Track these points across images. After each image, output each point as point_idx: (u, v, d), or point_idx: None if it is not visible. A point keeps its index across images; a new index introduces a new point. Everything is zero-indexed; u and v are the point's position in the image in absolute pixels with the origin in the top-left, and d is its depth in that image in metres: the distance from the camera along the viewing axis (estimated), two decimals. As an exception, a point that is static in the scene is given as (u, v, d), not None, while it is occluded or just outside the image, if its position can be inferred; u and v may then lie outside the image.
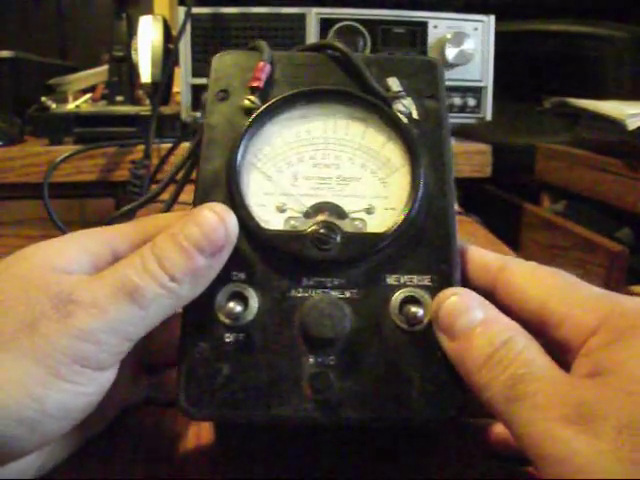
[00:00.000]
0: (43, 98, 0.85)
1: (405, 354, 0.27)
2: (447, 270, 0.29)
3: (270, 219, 0.30)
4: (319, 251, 0.29)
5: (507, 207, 0.96)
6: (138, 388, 0.33)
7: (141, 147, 0.73)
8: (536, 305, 0.26)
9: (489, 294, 0.28)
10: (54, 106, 0.84)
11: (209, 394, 0.27)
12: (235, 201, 0.29)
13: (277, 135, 0.32)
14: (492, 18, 0.83)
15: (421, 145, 0.31)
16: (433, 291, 0.28)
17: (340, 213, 0.30)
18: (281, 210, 0.31)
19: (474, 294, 0.26)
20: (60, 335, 0.24)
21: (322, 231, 0.29)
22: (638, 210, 0.67)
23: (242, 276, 0.28)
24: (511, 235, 0.89)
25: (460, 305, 0.26)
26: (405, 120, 0.32)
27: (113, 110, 0.85)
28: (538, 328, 0.26)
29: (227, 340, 0.28)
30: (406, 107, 0.32)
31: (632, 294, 0.62)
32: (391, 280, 0.29)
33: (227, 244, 0.27)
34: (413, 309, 0.27)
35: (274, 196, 0.31)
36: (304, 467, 0.30)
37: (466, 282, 0.29)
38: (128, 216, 0.42)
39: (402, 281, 0.29)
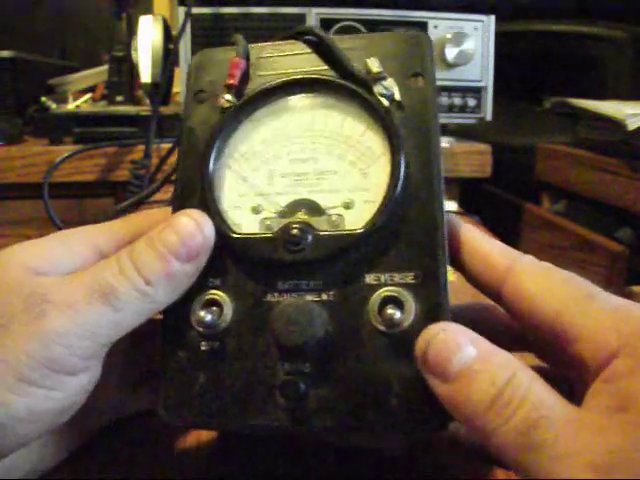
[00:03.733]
0: (43, 98, 0.85)
1: (384, 359, 0.25)
2: (432, 265, 0.26)
3: (244, 222, 0.29)
4: (290, 253, 0.27)
5: (507, 207, 0.95)
6: (138, 397, 0.32)
7: (141, 147, 0.73)
8: (549, 316, 0.24)
9: (494, 295, 0.26)
10: (54, 106, 0.84)
11: (186, 402, 0.27)
12: (208, 206, 0.29)
13: (254, 132, 0.31)
14: (492, 18, 0.83)
15: (404, 129, 0.28)
16: (417, 289, 0.26)
17: (316, 210, 0.29)
18: (256, 211, 0.29)
19: (461, 328, 0.23)
20: (30, 338, 0.23)
21: (293, 232, 0.27)
22: (638, 210, 0.67)
23: (218, 282, 0.28)
24: (511, 235, 0.89)
25: (450, 343, 0.23)
26: (386, 103, 0.29)
27: (113, 110, 0.85)
28: (550, 340, 0.24)
29: (203, 348, 0.27)
30: (387, 89, 0.29)
31: (632, 294, 0.62)
32: (370, 279, 0.26)
33: (203, 251, 0.27)
34: (389, 311, 0.25)
35: (249, 197, 0.30)
36: (304, 463, 0.30)
37: (469, 278, 0.27)
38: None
39: (382, 280, 0.26)
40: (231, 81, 0.30)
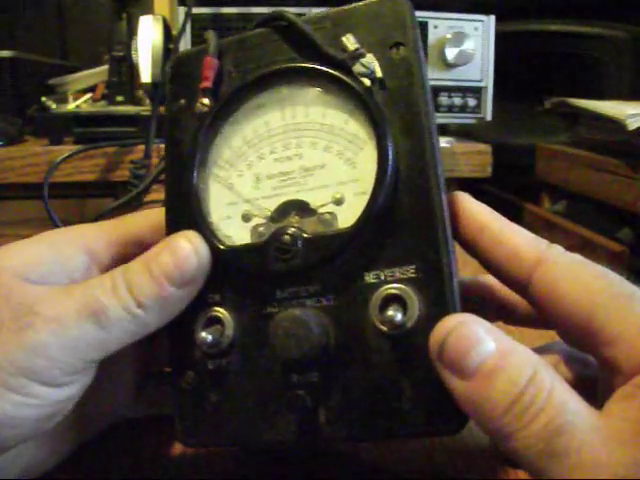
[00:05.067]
0: (43, 98, 0.85)
1: (393, 362, 0.24)
2: (433, 255, 0.24)
3: (235, 232, 0.28)
4: (282, 262, 0.26)
5: (507, 207, 0.95)
6: (138, 401, 0.32)
7: (141, 147, 0.73)
8: (583, 315, 0.22)
9: (519, 288, 0.25)
10: (54, 106, 0.84)
11: (200, 423, 0.26)
12: (196, 221, 0.28)
13: (236, 134, 0.29)
14: (492, 18, 0.83)
15: (389, 108, 0.26)
16: (419, 283, 0.24)
17: (307, 210, 0.27)
18: (246, 219, 0.28)
19: (480, 320, 0.22)
20: (14, 347, 0.23)
21: (283, 238, 0.26)
22: (638, 210, 0.67)
23: (217, 298, 0.27)
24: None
25: (468, 336, 0.21)
26: (368, 83, 0.26)
27: (113, 110, 0.85)
28: (582, 339, 0.23)
29: (210, 367, 0.27)
30: (367, 66, 0.26)
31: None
32: (370, 278, 0.25)
33: (198, 275, 0.26)
34: (390, 313, 0.23)
35: (238, 205, 0.28)
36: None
37: (491, 268, 0.26)
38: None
39: (382, 277, 0.24)
40: (205, 84, 0.29)
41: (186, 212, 0.28)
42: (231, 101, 0.29)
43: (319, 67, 0.27)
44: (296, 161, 0.28)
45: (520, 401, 0.20)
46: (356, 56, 0.26)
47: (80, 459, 0.30)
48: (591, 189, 0.78)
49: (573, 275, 0.23)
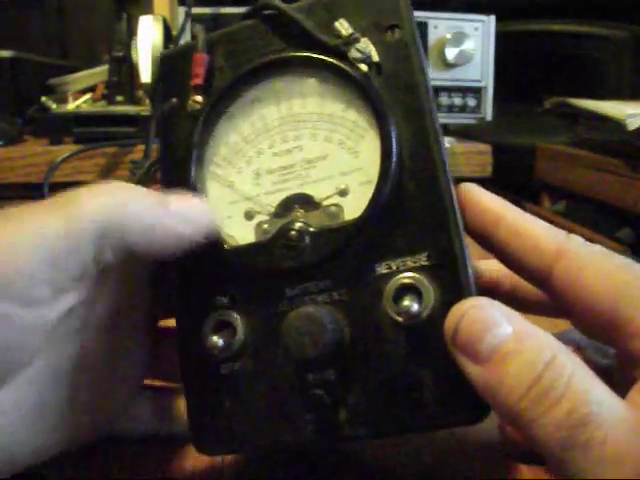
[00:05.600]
0: (43, 98, 0.85)
1: (411, 353, 0.23)
2: (445, 240, 0.23)
3: (238, 231, 0.27)
4: (290, 260, 0.25)
5: (507, 207, 0.95)
6: (137, 403, 0.30)
7: (141, 147, 0.73)
8: (607, 307, 0.21)
9: (538, 281, 0.24)
10: (54, 106, 0.84)
11: (216, 430, 0.26)
12: None
13: (232, 131, 0.28)
14: (492, 18, 0.83)
15: (388, 92, 0.25)
16: (433, 270, 0.23)
17: (311, 204, 0.26)
18: (249, 217, 0.27)
19: (495, 303, 0.21)
20: None
21: (290, 234, 0.25)
22: (638, 210, 0.67)
23: (225, 300, 0.26)
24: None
25: (483, 319, 0.20)
26: (365, 68, 0.25)
27: (113, 110, 0.85)
28: (604, 331, 0.22)
29: (223, 372, 0.26)
30: (362, 51, 0.25)
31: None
32: (381, 269, 0.24)
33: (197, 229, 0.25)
34: (406, 303, 0.23)
35: (239, 203, 0.28)
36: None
37: (508, 261, 0.24)
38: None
39: (394, 267, 0.24)
40: (197, 81, 0.28)
41: None
42: (224, 97, 0.28)
43: (313, 55, 0.26)
44: (296, 154, 0.27)
45: (537, 386, 0.19)
46: (351, 41, 0.25)
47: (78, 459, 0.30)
48: (591, 189, 0.78)
49: (596, 266, 0.22)
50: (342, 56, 0.26)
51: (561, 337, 0.27)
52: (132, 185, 0.25)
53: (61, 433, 0.26)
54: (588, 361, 0.25)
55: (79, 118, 0.81)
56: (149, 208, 0.24)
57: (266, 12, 0.28)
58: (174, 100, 0.29)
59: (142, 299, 0.29)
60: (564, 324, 0.26)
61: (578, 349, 0.26)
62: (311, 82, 0.27)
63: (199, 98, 0.28)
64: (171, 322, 0.29)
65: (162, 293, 0.29)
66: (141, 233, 0.24)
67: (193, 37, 0.29)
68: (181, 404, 0.29)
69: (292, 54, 0.27)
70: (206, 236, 0.26)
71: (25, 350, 0.23)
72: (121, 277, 0.26)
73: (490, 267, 0.29)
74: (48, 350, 0.24)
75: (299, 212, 0.26)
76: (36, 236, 0.22)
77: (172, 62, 0.30)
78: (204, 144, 0.28)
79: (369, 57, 0.25)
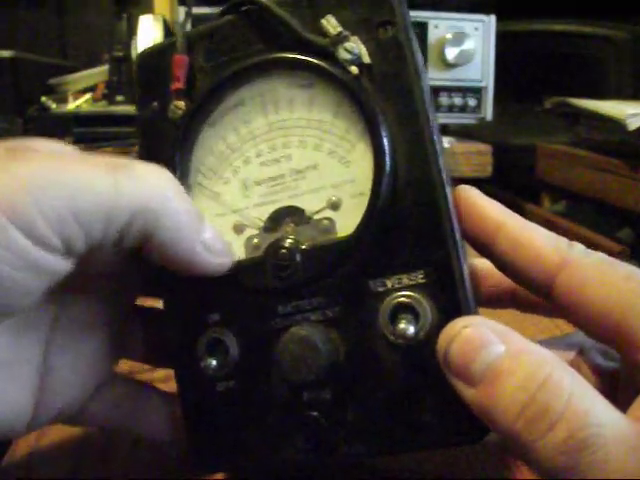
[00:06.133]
0: (43, 98, 0.85)
1: (408, 373, 0.22)
2: (442, 257, 0.22)
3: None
4: (280, 279, 0.24)
5: (507, 207, 0.95)
6: (99, 404, 0.28)
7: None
8: (613, 318, 0.21)
9: (540, 291, 0.23)
10: (54, 106, 0.85)
11: (214, 447, 0.25)
12: None
13: (217, 138, 0.27)
14: (492, 18, 0.83)
15: (381, 97, 0.23)
16: (430, 289, 0.22)
17: (302, 217, 0.25)
18: (238, 230, 0.26)
19: (489, 322, 0.20)
20: None
21: (280, 253, 0.24)
22: (638, 210, 0.67)
23: (216, 318, 0.25)
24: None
25: (474, 340, 0.20)
26: (355, 70, 0.23)
27: (113, 110, 0.85)
28: (611, 342, 0.21)
29: (219, 390, 0.25)
30: (352, 51, 0.23)
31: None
32: (376, 287, 0.23)
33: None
34: (402, 325, 0.22)
35: (227, 216, 0.26)
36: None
37: (508, 271, 0.24)
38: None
39: (390, 285, 0.23)
40: (177, 85, 0.26)
41: None
42: (207, 101, 0.26)
43: (299, 57, 0.24)
44: (285, 163, 0.25)
45: (532, 406, 0.18)
46: (339, 40, 0.23)
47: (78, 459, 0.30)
48: (591, 189, 0.78)
49: (600, 277, 0.21)
50: (330, 57, 0.24)
51: (565, 340, 0.27)
52: (178, 184, 0.23)
53: (34, 396, 0.25)
54: (592, 364, 0.25)
55: (79, 118, 0.81)
56: (190, 218, 0.23)
57: (247, 8, 0.26)
58: (155, 105, 0.27)
59: (123, 276, 0.27)
60: (564, 325, 0.26)
61: (582, 352, 0.26)
62: (298, 85, 0.25)
63: (181, 103, 0.26)
64: (147, 301, 0.29)
65: (142, 271, 0.28)
66: (170, 238, 0.23)
67: (171, 34, 0.28)
68: (153, 404, 0.28)
69: (276, 56, 0.25)
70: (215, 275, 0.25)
71: (26, 293, 0.21)
72: (115, 257, 0.25)
73: (489, 266, 0.29)
74: (42, 304, 0.23)
75: (289, 227, 0.25)
76: (79, 182, 0.20)
77: (150, 62, 0.28)
78: (188, 152, 0.27)
79: (359, 58, 0.23)
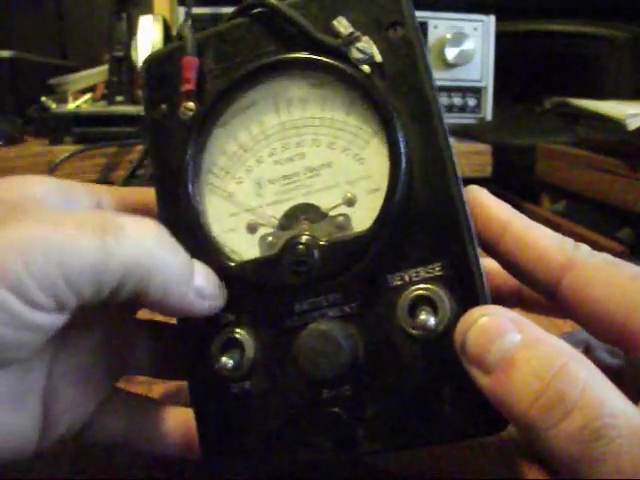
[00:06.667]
0: (43, 98, 0.85)
1: (428, 366, 0.22)
2: (459, 248, 0.22)
3: (241, 245, 0.26)
4: (298, 275, 0.24)
5: (507, 207, 0.95)
6: (104, 412, 0.29)
7: (141, 147, 0.73)
8: (619, 319, 0.21)
9: (546, 292, 0.23)
10: (54, 106, 0.84)
11: (229, 450, 0.25)
12: (197, 239, 0.26)
13: (229, 138, 0.27)
14: (492, 18, 0.83)
15: (393, 94, 0.24)
16: (448, 280, 0.22)
17: (318, 214, 0.25)
18: (252, 229, 0.26)
19: (505, 311, 0.21)
20: None
21: (297, 249, 0.24)
22: (638, 210, 0.67)
23: (232, 318, 0.25)
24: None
25: (491, 329, 0.20)
26: (367, 69, 0.24)
27: (113, 110, 0.85)
28: (617, 342, 0.22)
29: (233, 391, 0.25)
30: (364, 51, 0.24)
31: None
32: (394, 280, 0.23)
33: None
34: (422, 317, 0.22)
35: (240, 215, 0.26)
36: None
37: (515, 272, 0.24)
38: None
39: (407, 278, 0.23)
40: (188, 86, 0.26)
41: (183, 229, 0.26)
42: (218, 103, 0.27)
43: (313, 57, 0.25)
44: (298, 162, 0.26)
45: (546, 394, 0.18)
46: (351, 41, 0.24)
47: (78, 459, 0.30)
48: (591, 189, 0.78)
49: (606, 277, 0.22)
50: (342, 57, 0.24)
51: (571, 337, 0.27)
52: (170, 237, 0.24)
53: (40, 422, 0.25)
54: (598, 361, 0.25)
55: (79, 118, 0.81)
56: (180, 271, 0.23)
57: (258, 10, 0.26)
58: (163, 107, 0.27)
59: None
60: (567, 325, 0.26)
61: (588, 349, 0.26)
62: (310, 85, 0.26)
63: (191, 105, 0.26)
64: (146, 314, 0.29)
65: None
66: (162, 292, 0.23)
67: (179, 37, 0.27)
68: (155, 419, 0.28)
69: (289, 56, 0.25)
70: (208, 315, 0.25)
71: (21, 348, 0.22)
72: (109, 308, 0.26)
73: (495, 266, 0.29)
74: (42, 351, 0.24)
75: (305, 224, 0.25)
76: (68, 246, 0.21)
77: (158, 66, 0.28)
78: (200, 154, 0.27)
79: (371, 57, 0.24)
